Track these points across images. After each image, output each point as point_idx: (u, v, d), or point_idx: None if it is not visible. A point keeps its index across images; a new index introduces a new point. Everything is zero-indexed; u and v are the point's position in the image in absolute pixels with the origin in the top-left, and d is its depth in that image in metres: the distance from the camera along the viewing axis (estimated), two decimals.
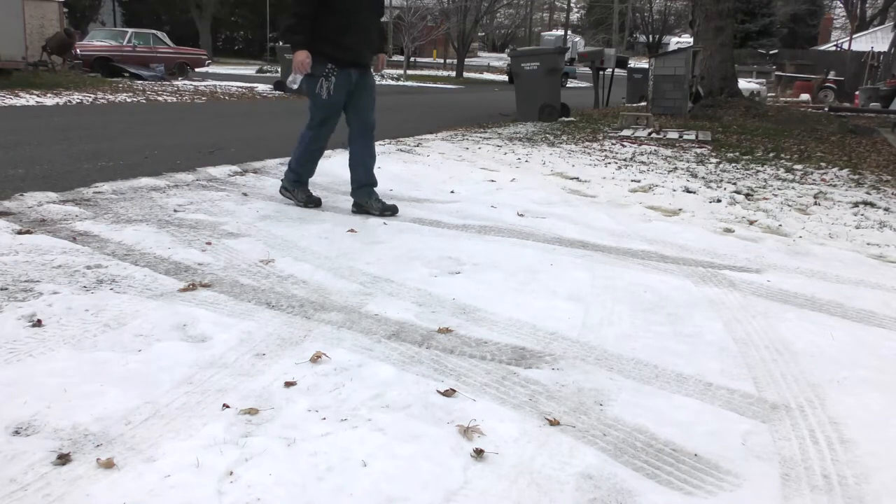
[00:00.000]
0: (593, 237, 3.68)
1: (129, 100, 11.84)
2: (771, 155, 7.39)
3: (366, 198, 4.06)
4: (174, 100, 12.42)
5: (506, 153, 6.83)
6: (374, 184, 4.13)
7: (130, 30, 19.83)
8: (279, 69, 16.75)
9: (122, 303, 2.37)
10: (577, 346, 2.24)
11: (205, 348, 2.06)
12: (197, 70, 19.93)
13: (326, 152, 6.31)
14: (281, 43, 17.26)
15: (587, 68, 16.20)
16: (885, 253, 3.71)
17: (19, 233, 3.10)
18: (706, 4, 12.64)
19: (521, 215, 4.14)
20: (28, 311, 2.23)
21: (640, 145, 7.70)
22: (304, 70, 3.81)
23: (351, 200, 4.11)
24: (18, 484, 1.40)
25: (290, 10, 3.85)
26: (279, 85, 15.68)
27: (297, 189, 4.17)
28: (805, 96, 21.28)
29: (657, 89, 11.49)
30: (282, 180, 4.26)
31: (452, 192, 4.80)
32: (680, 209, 4.56)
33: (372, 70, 4.17)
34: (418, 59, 43.97)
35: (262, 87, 16.51)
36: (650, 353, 2.22)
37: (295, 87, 3.92)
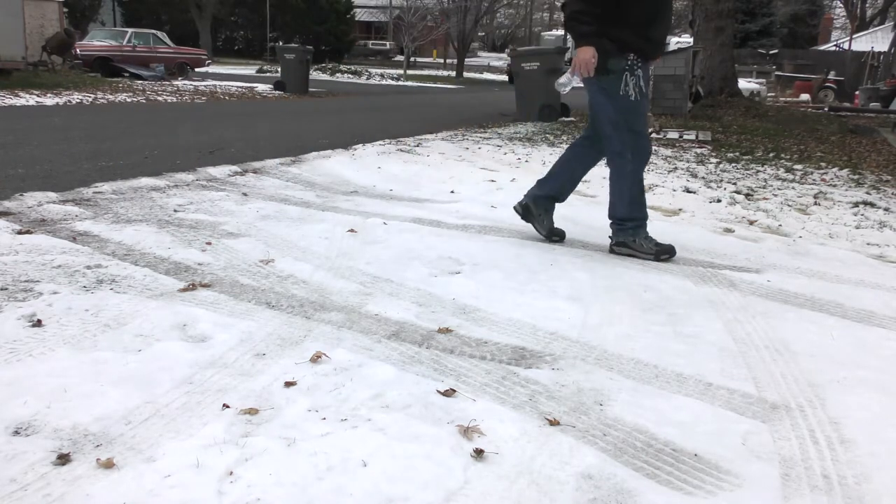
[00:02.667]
0: (593, 237, 3.68)
1: (129, 100, 11.84)
2: (771, 155, 7.39)
3: (542, 210, 3.52)
4: (174, 100, 12.42)
5: (506, 153, 6.83)
6: (561, 201, 3.59)
7: (130, 30, 19.88)
8: (279, 69, 16.76)
9: (122, 303, 2.37)
10: (577, 346, 2.24)
11: (205, 348, 2.06)
12: (197, 70, 19.96)
13: (326, 152, 6.33)
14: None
15: None
16: (885, 253, 3.71)
17: (19, 233, 3.10)
18: (706, 4, 12.65)
19: None
20: (28, 311, 2.23)
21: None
22: (588, 72, 3.02)
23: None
24: (18, 484, 1.40)
25: None
26: (279, 85, 15.70)
27: (639, 237, 3.31)
28: (805, 96, 21.30)
29: (657, 89, 11.48)
30: (610, 237, 3.40)
31: (452, 192, 4.80)
32: (680, 209, 4.56)
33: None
34: (418, 59, 44.00)
35: (262, 87, 16.53)
36: (650, 353, 2.22)
37: (566, 90, 3.18)
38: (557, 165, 3.53)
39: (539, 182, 3.56)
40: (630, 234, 3.33)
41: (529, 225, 3.91)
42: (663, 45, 3.30)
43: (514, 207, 3.60)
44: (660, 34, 3.19)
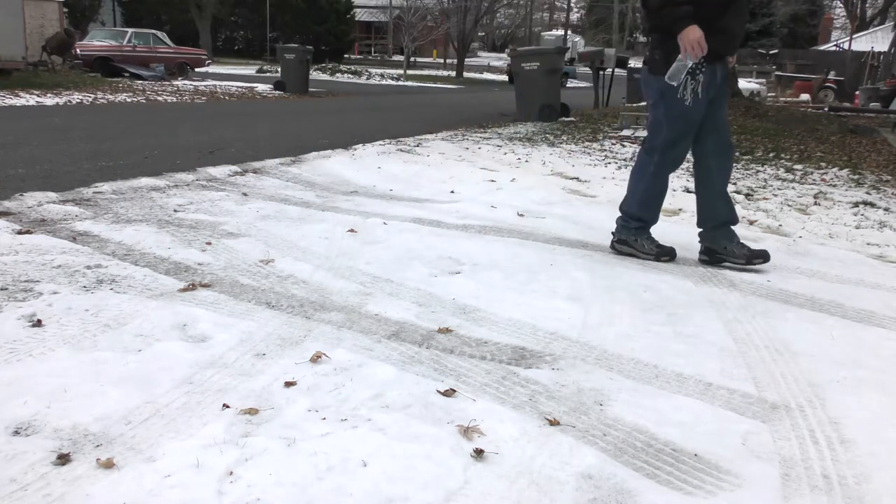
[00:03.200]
0: (593, 237, 3.68)
1: (129, 100, 11.84)
2: (771, 155, 7.39)
3: (725, 241, 3.21)
4: (174, 100, 12.42)
5: (506, 153, 6.84)
6: (735, 221, 3.24)
7: (130, 30, 19.87)
8: (279, 69, 16.76)
9: (122, 303, 2.37)
10: (577, 346, 2.24)
11: (205, 348, 2.06)
12: (197, 70, 19.95)
13: (326, 152, 6.33)
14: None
15: (587, 68, 16.22)
16: (885, 253, 3.71)
17: (19, 233, 3.10)
18: None
19: (521, 215, 4.14)
20: (28, 311, 2.23)
21: (640, 145, 7.70)
22: (701, 51, 2.83)
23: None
24: (18, 484, 1.40)
25: None
26: (279, 85, 15.69)
27: (641, 237, 3.28)
28: (805, 96, 21.30)
29: None
30: (612, 234, 3.36)
31: (452, 192, 4.80)
32: (680, 209, 4.56)
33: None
34: (418, 59, 44.02)
35: (262, 87, 16.53)
36: (650, 353, 2.22)
37: (679, 80, 2.93)
38: (697, 195, 3.34)
39: (700, 221, 3.33)
40: (633, 233, 3.30)
41: (529, 225, 3.91)
42: (738, 38, 3.06)
43: (699, 259, 3.31)
44: (735, 25, 2.97)
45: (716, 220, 3.24)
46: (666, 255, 3.28)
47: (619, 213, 3.37)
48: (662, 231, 3.91)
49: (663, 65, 2.96)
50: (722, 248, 3.22)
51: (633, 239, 3.30)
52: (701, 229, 3.31)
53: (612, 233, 3.39)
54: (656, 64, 3.04)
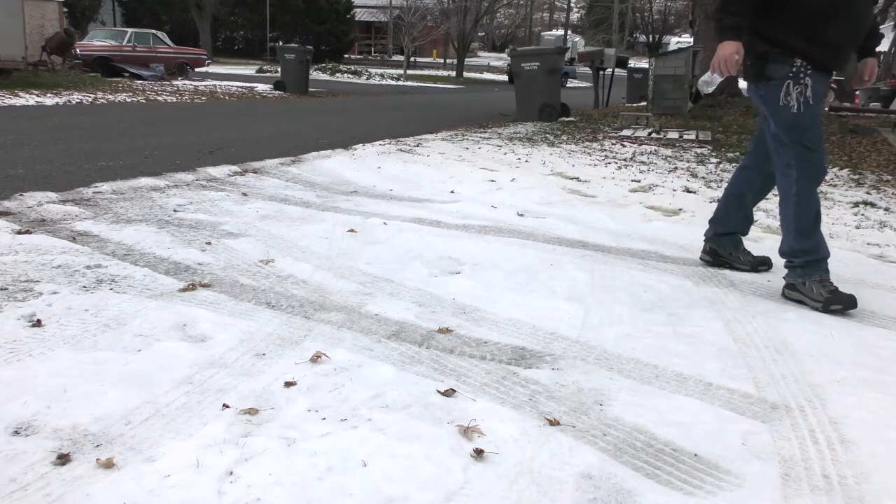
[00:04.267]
0: (593, 237, 3.68)
1: (128, 100, 11.84)
2: None
3: (731, 247, 3.14)
4: (174, 100, 12.42)
5: (506, 153, 6.84)
6: (746, 234, 3.16)
7: (130, 30, 19.85)
8: (279, 69, 16.76)
9: (121, 303, 2.37)
10: (576, 346, 2.24)
11: (205, 348, 2.06)
12: (197, 70, 19.95)
13: (326, 152, 6.33)
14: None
15: (587, 68, 16.22)
16: (885, 253, 3.71)
17: (19, 233, 3.10)
18: (706, 4, 12.65)
19: (521, 215, 4.14)
20: (28, 311, 2.23)
21: (640, 145, 7.71)
22: (729, 70, 2.56)
23: None
24: (18, 484, 1.40)
25: None
26: (279, 85, 15.69)
27: (812, 277, 2.69)
28: None
29: (657, 89, 11.49)
30: (784, 279, 2.80)
31: (452, 192, 4.80)
32: (680, 209, 4.56)
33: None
34: (418, 59, 44.03)
35: (262, 87, 16.53)
36: (650, 353, 2.22)
37: (709, 89, 2.78)
38: (725, 197, 3.15)
39: (712, 220, 3.20)
40: (799, 273, 2.74)
41: (529, 225, 3.91)
42: (842, 51, 2.62)
43: (700, 258, 3.25)
44: (843, 35, 2.56)
45: (728, 228, 3.16)
46: (839, 303, 2.63)
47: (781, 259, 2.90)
48: (663, 230, 3.91)
49: (755, 71, 2.66)
50: (727, 253, 3.18)
51: (801, 282, 2.72)
52: (715, 228, 3.20)
53: (784, 280, 2.84)
54: (748, 70, 2.69)
